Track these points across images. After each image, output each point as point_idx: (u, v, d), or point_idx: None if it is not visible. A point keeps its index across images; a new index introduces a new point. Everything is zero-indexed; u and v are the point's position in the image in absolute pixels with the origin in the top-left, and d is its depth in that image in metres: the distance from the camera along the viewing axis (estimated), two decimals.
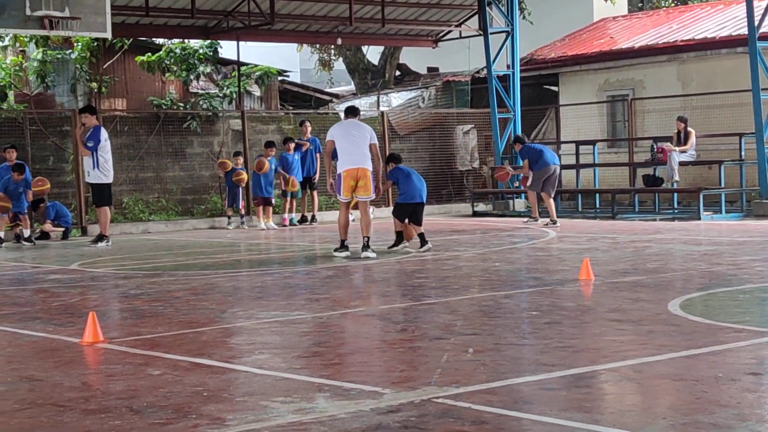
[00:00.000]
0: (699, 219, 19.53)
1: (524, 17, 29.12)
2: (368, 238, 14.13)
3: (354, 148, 14.26)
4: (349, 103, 29.84)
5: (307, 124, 22.19)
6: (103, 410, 5.55)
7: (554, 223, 19.11)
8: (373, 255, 13.90)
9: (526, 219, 20.47)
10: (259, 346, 7.46)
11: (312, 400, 5.60)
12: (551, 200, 19.43)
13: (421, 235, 14.67)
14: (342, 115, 15.28)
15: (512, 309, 9.10)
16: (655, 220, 20.09)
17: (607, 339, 7.34)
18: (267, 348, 7.40)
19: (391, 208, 17.00)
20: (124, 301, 10.51)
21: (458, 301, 9.42)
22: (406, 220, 14.92)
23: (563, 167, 24.60)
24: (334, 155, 14.64)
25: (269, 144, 21.66)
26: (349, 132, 14.44)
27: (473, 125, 26.69)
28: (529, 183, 19.76)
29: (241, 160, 21.73)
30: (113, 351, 7.43)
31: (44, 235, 19.38)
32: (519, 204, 24.66)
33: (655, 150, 21.66)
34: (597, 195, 23.36)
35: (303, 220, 21.97)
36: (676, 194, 21.79)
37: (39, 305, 10.30)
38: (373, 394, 5.70)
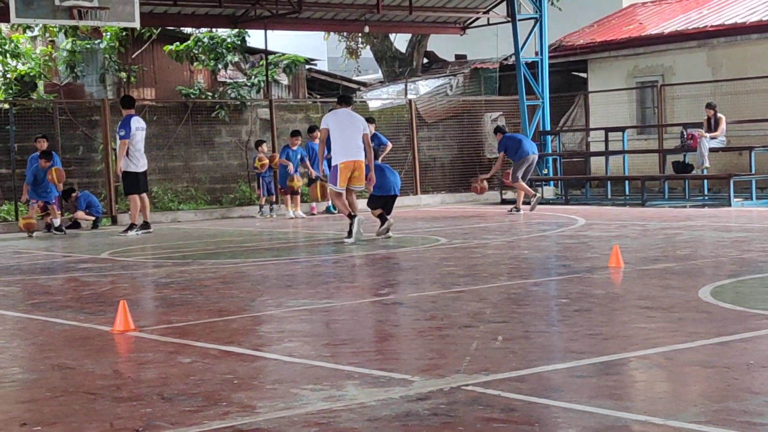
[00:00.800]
0: (729, 205, 19.42)
1: (552, 3, 28.99)
2: (362, 219, 14.87)
3: (350, 141, 14.80)
4: (375, 91, 29.89)
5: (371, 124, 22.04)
6: (135, 398, 5.58)
7: (517, 210, 19.86)
8: (350, 240, 14.63)
9: (510, 208, 20.70)
10: (288, 334, 7.48)
11: (341, 388, 5.61)
12: (522, 184, 19.97)
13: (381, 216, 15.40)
14: (337, 104, 15.60)
15: (541, 297, 9.09)
16: (685, 206, 19.99)
17: (637, 326, 7.31)
18: (296, 336, 7.42)
19: None
20: (155, 290, 10.56)
21: (487, 289, 9.41)
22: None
23: (591, 154, 24.60)
24: (327, 143, 15.17)
25: (295, 133, 21.68)
26: (344, 123, 14.90)
27: (501, 112, 26.63)
28: (511, 175, 20.13)
29: (265, 148, 21.79)
30: (144, 339, 7.47)
31: (75, 225, 19.52)
32: (548, 191, 24.59)
33: (685, 136, 21.53)
34: (626, 182, 23.25)
35: (329, 210, 21.94)
36: (706, 181, 21.66)
37: (70, 294, 10.36)
38: (403, 381, 5.70)
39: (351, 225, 14.70)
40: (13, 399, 5.87)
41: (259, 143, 22.01)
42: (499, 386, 5.48)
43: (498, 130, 20.91)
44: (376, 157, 16.07)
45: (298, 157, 21.28)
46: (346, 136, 14.82)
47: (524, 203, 20.24)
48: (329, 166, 15.56)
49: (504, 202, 23.69)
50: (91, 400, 5.57)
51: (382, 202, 15.42)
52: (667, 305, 8.07)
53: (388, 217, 15.24)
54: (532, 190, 20.37)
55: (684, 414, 4.86)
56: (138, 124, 17.68)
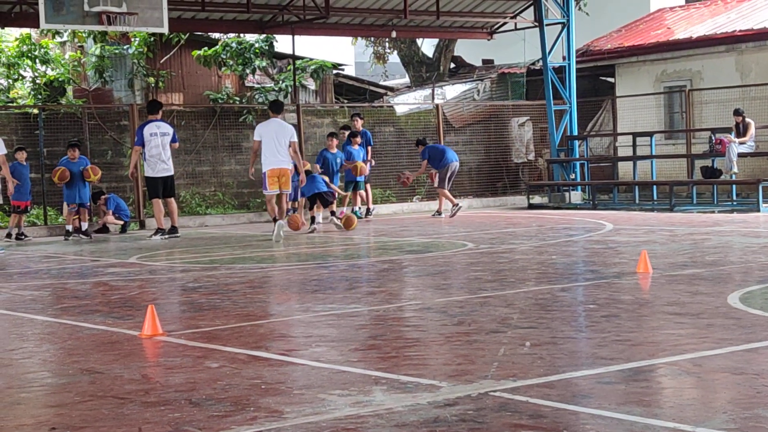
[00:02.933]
0: (758, 211, 19.29)
1: (580, 8, 28.95)
2: (283, 223, 16.81)
3: (277, 150, 16.64)
4: (402, 96, 29.88)
5: (357, 118, 22.10)
6: (163, 402, 5.60)
7: (439, 214, 21.34)
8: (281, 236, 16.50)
9: (433, 212, 21.98)
10: (315, 339, 7.48)
11: (369, 393, 5.61)
12: (446, 192, 21.21)
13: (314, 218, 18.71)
14: (270, 111, 17.54)
15: (569, 302, 9.05)
16: (713, 212, 19.88)
17: (665, 332, 7.28)
18: (324, 341, 7.43)
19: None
20: (183, 294, 10.59)
21: (515, 295, 9.39)
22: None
23: (619, 159, 24.53)
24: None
25: (333, 134, 21.71)
26: (273, 133, 16.66)
27: (529, 117, 26.58)
28: (436, 182, 21.37)
29: (335, 141, 21.57)
30: (172, 344, 7.49)
31: (103, 229, 19.62)
32: (575, 196, 24.53)
33: (713, 141, 21.42)
34: (654, 187, 23.14)
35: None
36: (734, 186, 21.54)
37: (98, 298, 10.41)
38: (430, 387, 5.70)
39: (275, 225, 16.54)
40: (43, 403, 5.91)
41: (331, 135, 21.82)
42: (527, 392, 5.47)
43: (419, 142, 21.84)
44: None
45: (338, 160, 20.83)
46: (275, 145, 16.60)
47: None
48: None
49: (531, 207, 23.63)
50: (120, 405, 5.60)
51: (315, 200, 18.57)
52: (695, 311, 8.03)
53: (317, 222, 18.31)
54: (456, 200, 21.49)
55: (713, 421, 4.83)
56: (153, 129, 17.73)
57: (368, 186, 22.07)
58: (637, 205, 22.24)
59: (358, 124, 21.92)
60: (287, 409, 5.33)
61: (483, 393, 5.49)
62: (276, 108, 17.33)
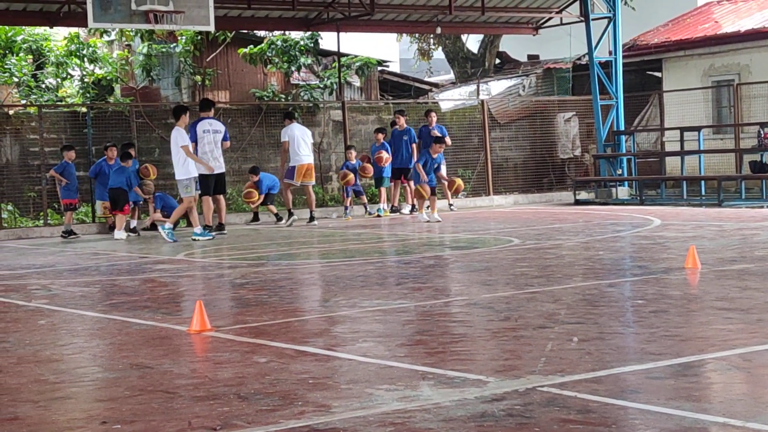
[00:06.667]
0: None
1: (626, 3, 28.72)
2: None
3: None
4: (447, 92, 29.84)
5: (399, 115, 22.10)
6: (212, 397, 5.64)
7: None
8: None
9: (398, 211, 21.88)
10: (362, 335, 7.50)
11: (416, 388, 5.62)
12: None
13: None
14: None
15: (617, 298, 9.01)
16: (762, 207, 19.68)
17: (714, 328, 7.22)
18: (370, 336, 7.44)
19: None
20: (230, 290, 10.66)
21: (562, 290, 9.36)
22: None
23: (666, 154, 24.35)
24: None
25: (379, 130, 21.91)
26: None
27: (575, 113, 26.45)
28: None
29: (353, 153, 21.75)
30: (220, 339, 7.54)
31: (152, 227, 19.79)
32: (623, 192, 24.38)
33: (762, 135, 21.20)
34: (702, 182, 22.95)
35: (393, 210, 21.90)
36: None
37: (147, 294, 10.50)
38: (478, 382, 5.70)
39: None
40: (93, 398, 5.97)
41: (349, 148, 21.94)
42: (575, 387, 5.45)
43: (253, 170, 21.40)
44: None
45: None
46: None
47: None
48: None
49: (577, 203, 23.53)
50: (169, 399, 5.65)
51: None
52: (745, 306, 7.96)
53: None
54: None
55: (763, 416, 4.79)
56: (205, 126, 17.76)
57: (410, 184, 22.09)
58: (684, 201, 22.06)
59: (401, 121, 21.94)
60: (335, 404, 5.35)
61: (530, 388, 5.48)
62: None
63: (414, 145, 21.61)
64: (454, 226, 17.62)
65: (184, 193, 17.53)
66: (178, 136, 17.32)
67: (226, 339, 7.53)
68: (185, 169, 17.30)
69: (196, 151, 17.59)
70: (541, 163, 26.30)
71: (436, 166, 19.21)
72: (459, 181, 19.85)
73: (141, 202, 19.30)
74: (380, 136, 21.61)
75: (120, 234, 18.30)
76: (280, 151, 20.79)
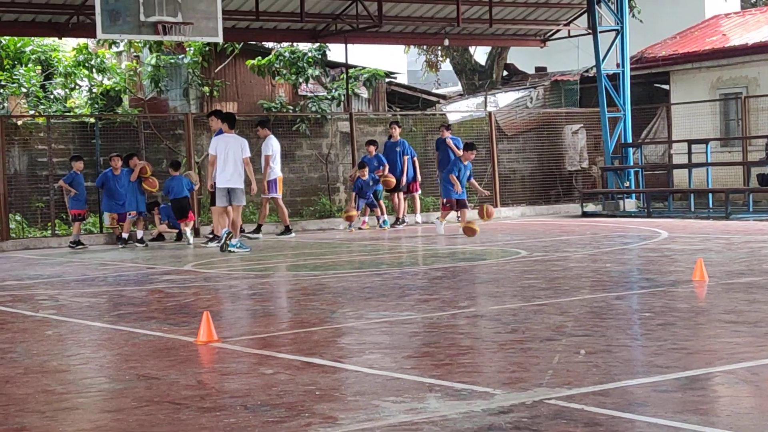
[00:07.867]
0: None
1: (634, 15, 28.74)
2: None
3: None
4: (455, 104, 29.87)
5: (395, 126, 21.98)
6: (218, 408, 5.64)
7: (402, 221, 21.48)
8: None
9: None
10: (369, 346, 7.50)
11: (423, 400, 5.61)
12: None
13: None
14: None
15: (624, 310, 9.00)
16: None
17: (722, 341, 7.21)
18: (377, 348, 7.44)
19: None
20: (237, 302, 10.66)
21: (569, 302, 9.35)
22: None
23: (674, 167, 24.32)
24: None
25: (371, 142, 21.71)
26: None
27: (582, 125, 26.43)
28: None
29: (373, 148, 21.51)
30: (227, 350, 7.55)
31: (159, 237, 19.83)
32: (630, 204, 24.35)
33: None
34: (710, 195, 22.92)
35: (397, 222, 21.78)
36: None
37: (154, 305, 10.51)
38: (484, 394, 5.69)
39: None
40: (100, 408, 5.98)
41: (362, 166, 21.49)
42: (582, 400, 5.45)
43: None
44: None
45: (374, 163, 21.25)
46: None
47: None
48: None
49: (585, 215, 23.50)
50: (176, 410, 5.65)
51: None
52: (753, 320, 7.95)
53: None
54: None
55: None
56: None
57: (416, 195, 22.07)
58: (692, 213, 22.03)
59: (396, 132, 21.80)
60: (341, 416, 5.35)
61: (538, 401, 5.47)
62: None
63: (406, 157, 21.52)
64: (462, 238, 17.60)
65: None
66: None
67: (233, 350, 7.53)
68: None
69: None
70: (549, 175, 26.29)
71: (468, 173, 18.86)
72: (488, 208, 19.01)
73: (143, 214, 19.28)
74: (372, 148, 21.37)
75: (189, 236, 19.13)
76: (263, 164, 19.84)
